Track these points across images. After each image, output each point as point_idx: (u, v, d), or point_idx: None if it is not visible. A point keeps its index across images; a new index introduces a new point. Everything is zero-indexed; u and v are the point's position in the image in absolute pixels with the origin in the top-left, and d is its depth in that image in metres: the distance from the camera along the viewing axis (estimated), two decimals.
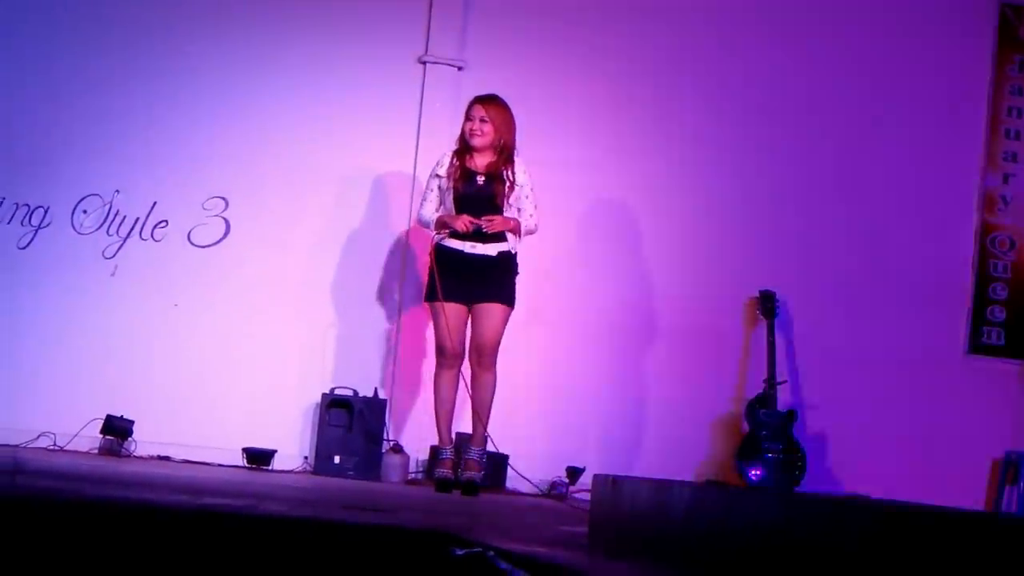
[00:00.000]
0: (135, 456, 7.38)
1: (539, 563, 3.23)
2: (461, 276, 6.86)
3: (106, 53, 7.81)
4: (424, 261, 7.30)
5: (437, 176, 7.00)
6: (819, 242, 8.35)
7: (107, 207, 7.76)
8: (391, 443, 7.65)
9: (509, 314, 6.93)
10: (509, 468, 7.69)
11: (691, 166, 8.27)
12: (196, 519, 3.64)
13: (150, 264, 7.76)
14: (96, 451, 7.39)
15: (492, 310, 6.89)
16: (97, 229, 7.75)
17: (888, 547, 2.65)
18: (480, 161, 6.94)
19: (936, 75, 8.50)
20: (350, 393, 7.64)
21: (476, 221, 6.80)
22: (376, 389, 7.71)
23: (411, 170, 7.91)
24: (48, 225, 7.71)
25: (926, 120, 8.47)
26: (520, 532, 4.41)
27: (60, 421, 7.38)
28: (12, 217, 7.68)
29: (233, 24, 7.96)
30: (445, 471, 6.98)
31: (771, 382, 7.98)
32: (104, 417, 7.36)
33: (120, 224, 7.77)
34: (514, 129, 6.97)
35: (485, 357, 6.91)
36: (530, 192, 6.95)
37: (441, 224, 6.93)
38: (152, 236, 7.79)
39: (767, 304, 8.12)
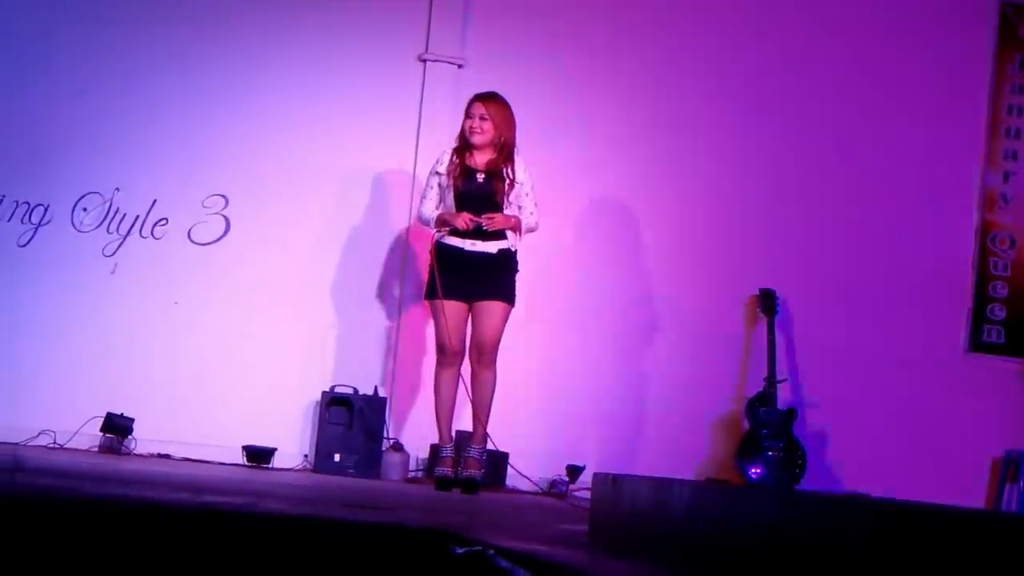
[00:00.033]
0: (135, 454, 7.38)
1: (539, 561, 3.23)
2: (461, 274, 6.86)
3: (106, 51, 7.81)
4: (424, 259, 7.29)
5: (437, 174, 7.00)
6: (819, 240, 8.35)
7: (107, 205, 7.76)
8: (391, 441, 7.65)
9: (509, 312, 6.93)
10: (509, 466, 7.69)
11: (691, 165, 8.27)
12: (196, 517, 3.64)
13: (150, 262, 7.76)
14: (96, 449, 7.39)
15: (492, 308, 6.89)
16: (97, 227, 7.75)
17: (888, 546, 2.65)
18: (480, 159, 6.94)
19: (936, 74, 8.50)
20: (350, 391, 7.64)
21: (476, 219, 6.80)
22: (376, 387, 7.71)
23: (411, 168, 7.91)
24: (48, 223, 7.71)
25: (926, 118, 8.47)
26: (520, 530, 4.41)
27: (60, 419, 7.38)
28: (12, 215, 7.68)
29: (233, 23, 7.96)
30: (445, 469, 6.98)
31: (771, 380, 7.98)
32: (104, 415, 7.36)
33: (120, 222, 7.77)
34: (514, 127, 6.97)
35: (485, 355, 6.90)
36: (530, 190, 6.95)
37: (441, 222, 6.92)
38: (152, 234, 7.79)
39: (767, 302, 8.12)
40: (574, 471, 7.67)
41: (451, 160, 6.97)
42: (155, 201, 7.79)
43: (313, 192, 7.93)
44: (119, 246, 7.76)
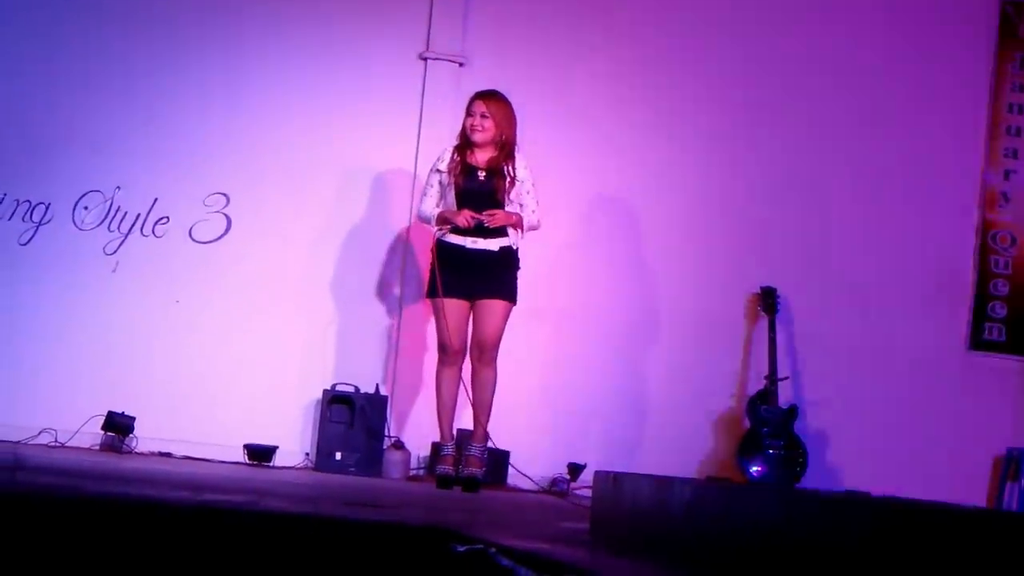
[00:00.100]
0: (136, 452, 7.38)
1: (540, 560, 3.23)
2: (463, 272, 6.86)
3: (107, 49, 7.81)
4: (425, 257, 7.30)
5: (438, 171, 7.00)
6: (820, 238, 8.35)
7: (108, 203, 7.76)
8: (392, 439, 7.65)
9: (510, 310, 6.93)
10: (510, 464, 7.69)
11: (692, 162, 8.27)
12: (197, 516, 3.64)
13: (151, 260, 7.76)
14: (97, 447, 7.40)
15: (493, 306, 6.89)
16: (98, 225, 7.75)
17: (889, 544, 2.65)
18: (481, 157, 6.94)
19: (937, 72, 8.50)
20: (351, 389, 7.64)
21: (477, 216, 6.79)
22: (377, 385, 7.71)
23: (412, 166, 7.91)
24: (49, 221, 7.70)
25: (927, 117, 8.47)
26: (521, 528, 4.41)
27: (61, 417, 7.38)
28: (13, 213, 7.68)
29: (234, 20, 7.96)
30: (446, 467, 6.98)
31: (772, 378, 7.98)
32: (105, 413, 7.36)
33: (121, 220, 7.77)
34: (515, 125, 6.97)
35: (486, 353, 6.91)
36: (531, 188, 6.95)
37: (442, 220, 6.93)
38: (153, 232, 7.79)
39: (768, 300, 8.12)
40: (575, 469, 7.68)
41: (452, 158, 6.97)
42: (156, 199, 7.79)
43: (314, 190, 7.93)
44: (120, 244, 7.76)
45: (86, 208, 7.74)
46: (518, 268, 6.95)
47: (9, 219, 7.67)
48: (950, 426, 8.30)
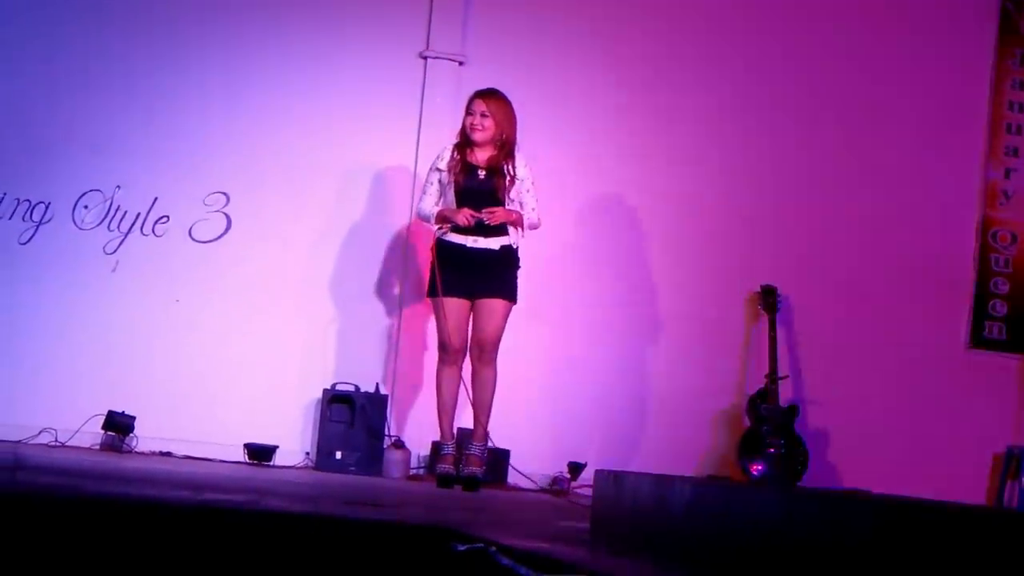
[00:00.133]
0: (136, 452, 7.38)
1: (541, 558, 3.23)
2: (463, 271, 6.86)
3: (107, 49, 7.81)
4: (425, 256, 7.30)
5: (438, 170, 7.00)
6: (820, 237, 8.35)
7: (108, 203, 7.75)
8: (392, 439, 7.65)
9: (511, 309, 6.93)
10: (510, 464, 7.69)
11: (693, 161, 8.27)
12: (198, 515, 3.64)
13: (151, 260, 7.75)
14: (98, 447, 7.40)
15: (494, 306, 6.89)
16: (98, 225, 7.74)
17: (890, 542, 2.65)
18: (481, 155, 6.94)
19: (937, 70, 8.50)
20: (351, 389, 7.64)
21: (477, 214, 6.79)
22: (377, 385, 7.71)
23: (412, 165, 7.90)
24: (49, 221, 7.70)
25: (927, 115, 8.47)
26: (522, 527, 4.41)
27: (61, 417, 7.38)
28: (13, 213, 7.67)
29: (234, 19, 7.95)
30: (447, 467, 6.98)
31: (772, 377, 7.98)
32: (106, 413, 7.36)
33: (121, 220, 7.77)
34: (515, 123, 6.97)
35: (486, 353, 6.91)
36: (531, 186, 6.95)
37: (442, 218, 6.92)
38: (153, 232, 7.79)
39: (768, 299, 8.11)
40: (575, 468, 7.67)
41: (452, 156, 6.97)
42: (156, 199, 7.78)
43: (314, 189, 7.93)
44: (120, 244, 7.76)
45: (86, 207, 7.73)
46: (518, 267, 6.95)
47: (9, 218, 7.66)
48: (950, 424, 8.30)
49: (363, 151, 7.96)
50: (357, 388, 7.64)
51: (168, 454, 7.40)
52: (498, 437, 7.30)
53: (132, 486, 4.62)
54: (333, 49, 7.98)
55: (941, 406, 8.32)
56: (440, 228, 6.93)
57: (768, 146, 8.33)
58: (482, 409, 6.93)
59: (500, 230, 6.86)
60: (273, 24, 7.96)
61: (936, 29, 8.52)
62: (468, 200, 6.84)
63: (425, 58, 8.05)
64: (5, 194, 7.67)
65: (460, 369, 6.96)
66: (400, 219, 7.97)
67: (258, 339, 7.81)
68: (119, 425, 7.37)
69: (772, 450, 7.85)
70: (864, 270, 8.37)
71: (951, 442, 8.25)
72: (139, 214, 7.78)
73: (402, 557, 3.49)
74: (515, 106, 6.99)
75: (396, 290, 7.95)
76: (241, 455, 7.49)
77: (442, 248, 6.91)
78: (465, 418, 7.20)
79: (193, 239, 7.82)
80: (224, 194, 7.84)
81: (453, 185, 6.90)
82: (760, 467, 7.84)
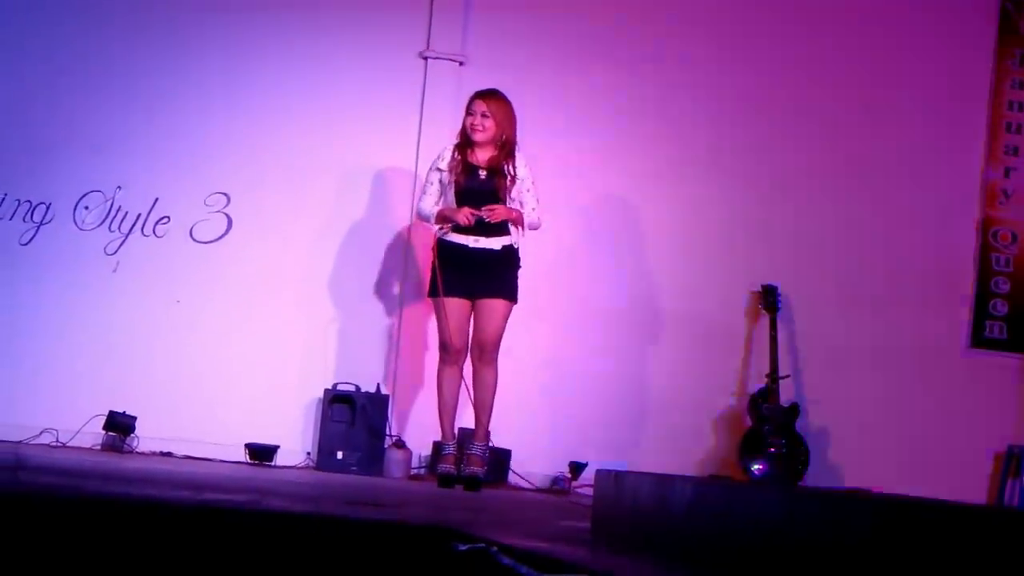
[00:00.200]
0: (137, 452, 7.38)
1: (541, 558, 3.23)
2: (464, 271, 6.86)
3: (107, 49, 7.81)
4: (426, 256, 7.30)
5: (438, 170, 7.00)
6: (821, 237, 8.35)
7: (109, 203, 7.76)
8: (393, 438, 7.65)
9: (511, 309, 6.93)
10: (511, 463, 7.69)
11: (693, 160, 8.27)
12: (198, 515, 3.64)
13: (152, 260, 7.76)
14: (99, 447, 7.40)
15: (495, 306, 6.89)
16: (99, 225, 7.75)
17: (891, 542, 2.65)
18: (481, 155, 6.94)
19: (937, 69, 8.50)
20: (352, 389, 7.64)
21: (477, 213, 6.79)
22: (379, 384, 7.71)
23: (412, 165, 7.90)
24: (50, 221, 7.71)
25: (927, 114, 8.47)
26: (523, 527, 4.41)
27: (62, 417, 7.39)
28: (14, 213, 7.68)
29: (234, 20, 7.96)
30: (448, 466, 6.98)
31: (773, 376, 7.98)
32: (106, 413, 7.36)
33: (122, 220, 7.77)
34: (515, 123, 6.97)
35: (487, 353, 6.91)
36: (531, 186, 6.95)
37: (442, 218, 6.92)
38: (154, 232, 7.79)
39: (769, 298, 8.11)
40: (576, 468, 7.68)
41: (453, 156, 6.97)
42: (157, 199, 7.79)
43: (314, 189, 7.93)
44: (121, 244, 7.76)
45: (87, 208, 7.74)
46: (519, 267, 6.96)
47: (10, 219, 7.67)
48: (951, 424, 8.29)
49: (363, 151, 7.96)
50: (358, 388, 7.64)
51: (169, 454, 7.41)
52: (499, 437, 7.31)
53: (133, 486, 4.62)
54: (333, 49, 7.99)
55: (942, 405, 8.32)
56: (441, 228, 6.93)
57: (769, 145, 8.33)
58: (483, 409, 6.93)
59: (501, 230, 6.86)
60: (273, 25, 7.96)
61: (936, 29, 8.52)
62: (469, 200, 6.84)
63: (425, 58, 8.05)
64: (6, 195, 7.68)
65: (461, 369, 6.97)
66: (401, 219, 7.97)
67: (259, 339, 7.81)
68: (120, 425, 7.38)
69: (773, 450, 7.85)
70: (865, 269, 8.36)
71: (952, 441, 8.24)
72: (140, 215, 7.78)
73: (403, 557, 3.49)
74: (515, 106, 6.99)
75: (397, 290, 7.95)
76: (242, 455, 7.49)
77: (443, 248, 6.91)
78: (466, 418, 7.20)
79: (194, 239, 7.82)
80: (225, 195, 7.85)
81: (454, 185, 6.91)
82: (761, 466, 7.84)
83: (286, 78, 7.94)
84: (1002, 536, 2.43)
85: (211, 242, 7.84)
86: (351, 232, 7.96)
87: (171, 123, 7.83)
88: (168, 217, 7.81)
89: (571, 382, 8.09)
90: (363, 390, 7.64)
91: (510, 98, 6.98)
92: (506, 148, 6.91)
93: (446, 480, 6.94)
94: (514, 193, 6.90)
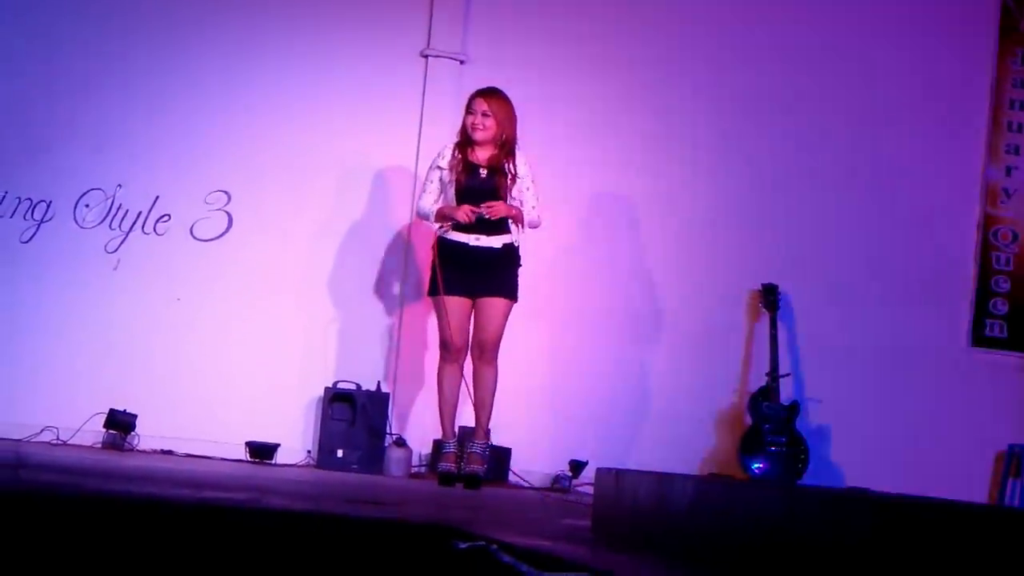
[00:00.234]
0: (138, 450, 7.39)
1: (542, 556, 3.23)
2: (465, 269, 6.86)
3: (108, 47, 7.81)
4: (426, 254, 7.30)
5: (438, 168, 7.00)
6: (821, 235, 8.35)
7: (109, 201, 7.76)
8: (394, 437, 7.65)
9: (511, 308, 6.93)
10: (512, 462, 7.69)
11: (694, 159, 8.27)
12: (199, 513, 3.64)
13: (152, 258, 7.76)
14: (99, 445, 7.40)
15: (495, 304, 6.89)
16: (100, 223, 7.75)
17: (891, 540, 2.65)
18: (482, 154, 6.94)
19: (938, 68, 8.50)
20: (353, 387, 7.64)
21: (477, 210, 6.79)
22: (379, 383, 7.71)
23: (413, 164, 7.91)
24: (50, 219, 7.71)
25: (928, 113, 8.47)
26: (523, 525, 4.41)
27: (63, 415, 7.39)
28: (15, 211, 7.68)
29: (234, 18, 7.96)
30: (448, 465, 6.98)
31: (774, 375, 7.98)
32: (107, 411, 7.36)
33: (122, 218, 7.77)
34: (515, 122, 6.97)
35: (487, 352, 6.91)
36: (531, 184, 6.95)
37: (442, 216, 6.92)
38: (154, 230, 7.79)
39: (769, 297, 8.12)
40: (577, 466, 7.68)
41: (453, 155, 6.96)
42: (157, 197, 7.79)
43: (315, 188, 7.93)
44: (121, 242, 7.76)
45: (87, 206, 7.74)
46: (519, 265, 6.95)
47: (11, 217, 7.67)
48: (951, 423, 8.30)
49: (364, 150, 7.96)
50: (358, 386, 7.64)
51: (169, 452, 7.41)
52: (499, 435, 7.31)
53: (133, 484, 4.62)
54: (334, 48, 7.99)
55: (942, 404, 8.32)
56: (442, 227, 6.93)
57: (769, 144, 8.33)
58: (483, 407, 6.94)
59: (502, 228, 6.86)
60: (274, 23, 7.96)
61: (937, 28, 8.52)
62: (469, 199, 6.84)
63: (426, 57, 8.05)
64: (6, 193, 7.68)
65: (461, 367, 6.97)
66: (401, 217, 7.97)
67: (259, 337, 7.81)
68: (120, 423, 7.38)
69: (773, 448, 7.85)
70: (865, 268, 8.37)
71: (952, 440, 8.25)
72: (140, 213, 7.78)
73: (403, 555, 3.49)
74: (516, 105, 6.99)
75: (397, 288, 7.95)
76: (242, 453, 7.50)
77: (444, 247, 6.90)
78: (466, 416, 7.21)
79: (194, 237, 7.82)
80: (225, 192, 7.85)
81: (454, 184, 6.91)
82: (761, 465, 7.85)
83: (286, 76, 7.94)
84: (1002, 535, 2.43)
85: (211, 240, 7.84)
86: (351, 230, 7.96)
87: (172, 121, 7.83)
88: (169, 215, 7.81)
89: (571, 380, 8.09)
90: (363, 388, 7.64)
91: (510, 97, 6.98)
92: (507, 147, 6.91)
93: (446, 478, 6.94)
94: (514, 192, 6.90)
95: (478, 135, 6.91)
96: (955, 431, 8.27)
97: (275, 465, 7.46)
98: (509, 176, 6.88)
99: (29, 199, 7.69)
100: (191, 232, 7.82)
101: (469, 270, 6.86)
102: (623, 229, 8.27)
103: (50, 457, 5.94)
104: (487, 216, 6.79)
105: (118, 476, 5.13)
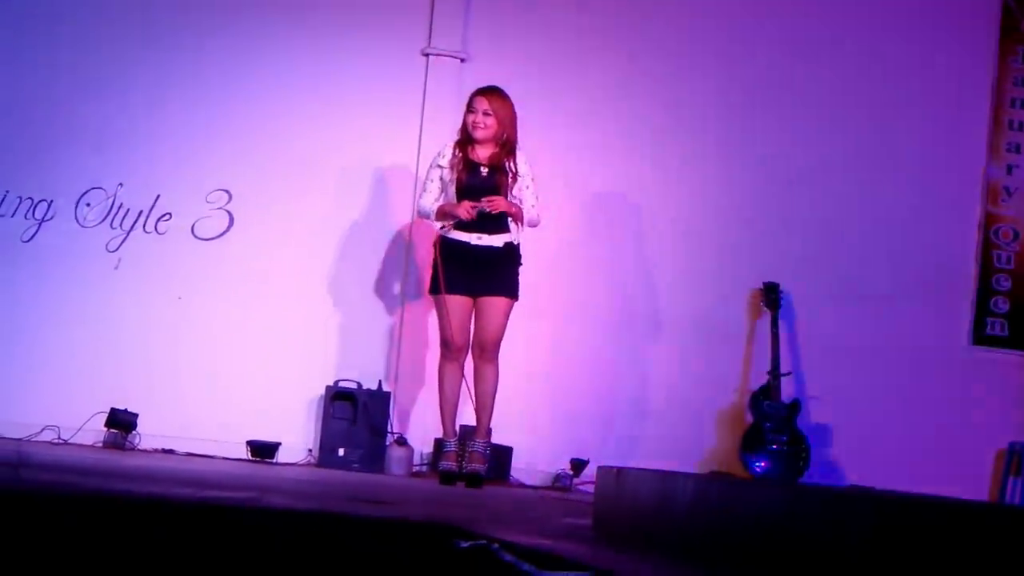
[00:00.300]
0: (139, 449, 7.39)
1: (543, 555, 3.23)
2: (466, 268, 6.86)
3: (109, 46, 7.81)
4: (426, 253, 7.30)
5: (439, 167, 6.99)
6: (822, 234, 8.34)
7: (111, 200, 7.76)
8: (395, 436, 7.65)
9: (512, 306, 6.94)
10: (513, 460, 7.69)
11: (695, 158, 8.27)
12: (200, 512, 3.64)
13: (154, 257, 7.76)
14: (100, 444, 7.41)
15: (496, 303, 6.89)
16: (101, 222, 7.75)
17: (892, 539, 2.65)
18: (483, 153, 6.94)
19: (939, 67, 8.49)
20: (354, 386, 7.64)
21: (477, 204, 6.79)
22: (380, 382, 7.72)
23: (414, 162, 7.91)
24: (52, 218, 7.71)
25: (929, 112, 8.46)
26: (524, 524, 4.41)
27: (64, 414, 7.39)
28: (16, 210, 7.68)
29: (235, 17, 7.96)
30: (449, 463, 6.98)
31: (775, 373, 7.98)
32: (108, 410, 7.37)
33: (124, 217, 7.77)
34: (516, 121, 6.97)
35: (488, 350, 6.91)
36: (531, 183, 6.95)
37: (442, 214, 6.92)
38: (156, 229, 7.79)
39: (771, 295, 8.11)
40: (578, 465, 7.68)
41: (454, 153, 6.96)
42: (158, 196, 7.79)
43: (316, 187, 7.93)
44: (122, 241, 7.77)
45: (88, 205, 7.74)
46: (520, 264, 6.96)
47: (12, 216, 7.68)
48: (952, 421, 8.29)
49: (365, 148, 7.97)
50: (359, 385, 7.64)
51: (171, 451, 7.41)
52: (500, 434, 7.31)
53: (134, 483, 4.62)
54: (335, 47, 7.99)
55: (943, 403, 8.32)
56: (443, 226, 6.93)
57: (771, 144, 8.32)
58: (484, 406, 6.94)
59: (502, 226, 6.85)
60: (274, 23, 7.96)
61: (938, 27, 8.51)
62: (470, 197, 6.84)
63: (427, 55, 8.06)
64: (8, 192, 7.68)
65: (462, 366, 6.97)
66: (402, 216, 7.97)
67: (260, 336, 7.81)
68: (122, 422, 7.38)
69: (774, 447, 7.85)
70: (866, 267, 8.36)
71: (953, 439, 8.24)
72: (141, 211, 7.78)
73: (404, 554, 3.49)
74: (516, 103, 6.99)
75: (398, 287, 7.95)
76: (244, 452, 7.50)
77: (445, 245, 6.90)
78: (467, 415, 7.21)
79: (195, 236, 7.82)
80: (226, 191, 7.85)
81: (455, 182, 6.90)
82: (762, 464, 7.84)
83: (287, 75, 7.94)
84: (1003, 534, 2.43)
85: (213, 239, 7.84)
86: (352, 229, 7.96)
87: (172, 120, 7.83)
88: (170, 214, 7.81)
89: (572, 379, 8.09)
90: (365, 387, 7.64)
91: (511, 95, 6.98)
92: (507, 145, 6.91)
93: (447, 477, 6.94)
94: (514, 190, 6.90)
95: (479, 133, 6.91)
96: (956, 429, 8.26)
97: (276, 464, 7.47)
98: (510, 175, 6.88)
99: (30, 198, 7.69)
100: (192, 231, 7.82)
101: (470, 269, 6.86)
102: (624, 228, 8.26)
103: (51, 456, 5.94)
104: (488, 210, 6.79)
105: (119, 475, 5.13)
